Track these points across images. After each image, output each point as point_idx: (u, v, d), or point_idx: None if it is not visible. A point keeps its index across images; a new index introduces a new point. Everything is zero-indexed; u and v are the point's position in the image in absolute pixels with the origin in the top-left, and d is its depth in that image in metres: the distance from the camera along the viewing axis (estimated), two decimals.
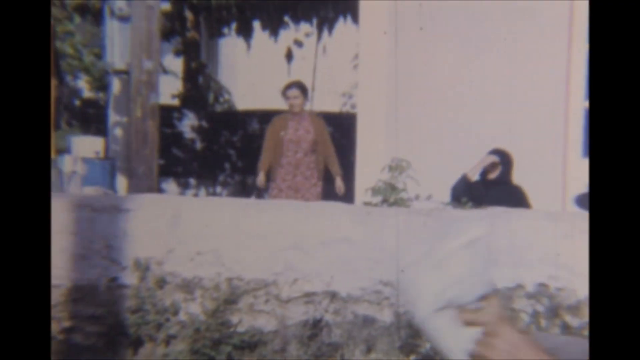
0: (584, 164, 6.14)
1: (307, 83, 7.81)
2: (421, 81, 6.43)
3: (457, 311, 1.49)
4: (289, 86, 7.36)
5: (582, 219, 3.72)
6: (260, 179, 7.37)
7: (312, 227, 3.70)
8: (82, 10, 12.61)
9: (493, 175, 5.79)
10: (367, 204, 5.69)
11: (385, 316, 3.59)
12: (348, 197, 6.92)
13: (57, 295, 3.55)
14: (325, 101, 13.10)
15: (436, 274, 1.51)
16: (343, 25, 12.33)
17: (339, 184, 7.34)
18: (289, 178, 7.25)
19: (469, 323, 1.47)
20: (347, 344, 3.58)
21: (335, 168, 7.36)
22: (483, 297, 1.49)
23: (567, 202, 6.12)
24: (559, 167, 6.17)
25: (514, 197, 5.67)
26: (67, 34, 13.23)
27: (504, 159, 5.81)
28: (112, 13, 11.03)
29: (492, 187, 5.74)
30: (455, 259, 1.49)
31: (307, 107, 7.58)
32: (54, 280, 3.53)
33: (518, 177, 5.89)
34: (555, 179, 6.15)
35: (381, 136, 6.46)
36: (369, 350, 3.56)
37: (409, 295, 1.49)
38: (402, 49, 6.44)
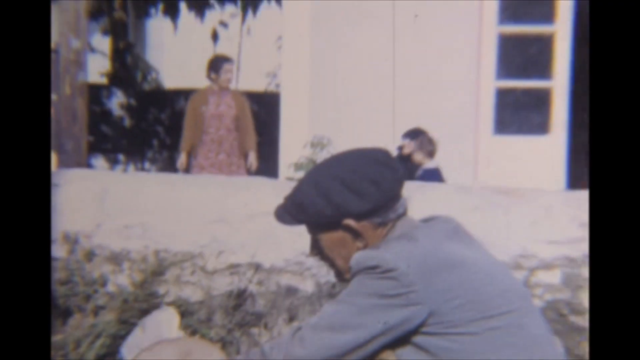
0: (495, 142, 6.40)
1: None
2: (341, 62, 6.57)
3: None
4: (225, 60, 7.17)
5: (491, 192, 3.88)
6: (182, 161, 7.08)
7: (238, 201, 3.75)
8: None
9: (407, 150, 6.10)
10: (290, 179, 5.79)
11: (307, 286, 3.65)
12: (272, 173, 6.97)
13: None
14: (250, 81, 13.12)
15: None
16: (267, 7, 12.37)
17: (252, 159, 7.05)
18: (212, 156, 6.97)
19: None
20: (270, 313, 3.64)
21: (251, 143, 7.06)
22: None
23: (479, 177, 6.34)
24: (470, 145, 6.37)
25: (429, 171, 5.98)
26: None
27: (417, 137, 6.14)
28: None
29: (409, 163, 6.01)
30: None
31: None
32: None
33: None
34: (467, 156, 6.35)
35: (303, 114, 6.56)
36: (291, 319, 3.63)
37: None
38: (323, 31, 6.56)
